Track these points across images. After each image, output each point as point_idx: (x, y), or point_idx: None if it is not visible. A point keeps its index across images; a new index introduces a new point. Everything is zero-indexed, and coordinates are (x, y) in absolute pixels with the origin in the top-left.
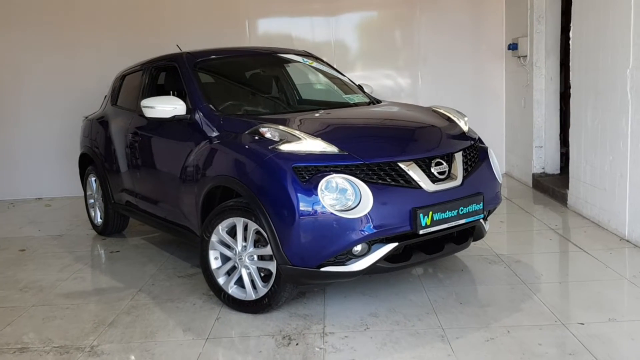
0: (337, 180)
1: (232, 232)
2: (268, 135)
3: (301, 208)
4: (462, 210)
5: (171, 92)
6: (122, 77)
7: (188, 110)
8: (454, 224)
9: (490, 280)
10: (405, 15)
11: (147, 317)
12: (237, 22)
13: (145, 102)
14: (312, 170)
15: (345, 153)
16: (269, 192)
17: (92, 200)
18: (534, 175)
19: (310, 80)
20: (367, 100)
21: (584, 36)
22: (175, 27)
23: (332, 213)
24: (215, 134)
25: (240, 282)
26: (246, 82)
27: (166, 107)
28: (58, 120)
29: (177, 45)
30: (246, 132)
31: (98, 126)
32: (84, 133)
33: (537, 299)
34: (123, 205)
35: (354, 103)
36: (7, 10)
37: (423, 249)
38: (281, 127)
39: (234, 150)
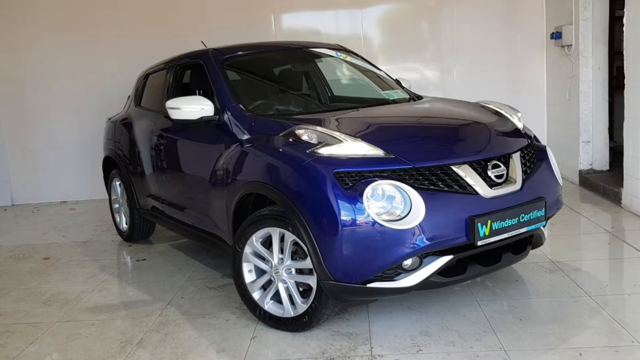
0: (385, 186)
1: (266, 242)
2: (305, 137)
3: (344, 218)
4: (523, 217)
5: (197, 92)
6: (145, 77)
7: (216, 111)
8: (514, 234)
9: (549, 292)
10: (435, 5)
11: (178, 335)
12: (262, 17)
13: (170, 103)
14: (355, 176)
15: (392, 156)
16: (307, 200)
17: (116, 205)
18: (580, 172)
19: (344, 76)
20: (406, 96)
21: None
22: (198, 24)
23: (379, 223)
24: (246, 136)
25: (277, 297)
26: (276, 79)
27: (193, 108)
28: (82, 121)
29: (202, 42)
30: (280, 134)
31: (121, 128)
32: (107, 135)
33: (607, 314)
34: (149, 211)
35: (393, 100)
36: (29, 11)
37: (479, 261)
38: (319, 129)
39: (268, 154)
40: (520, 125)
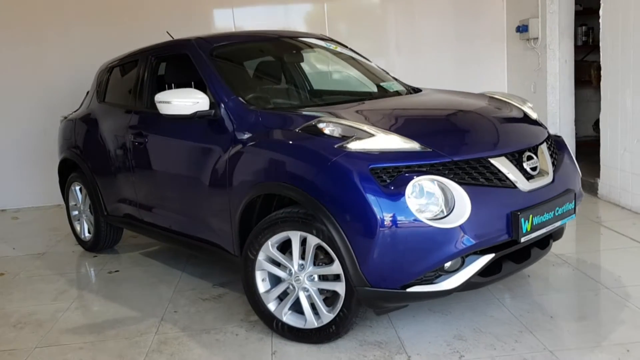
0: (427, 182)
1: (281, 248)
2: (327, 131)
3: (384, 218)
4: (557, 211)
5: (172, 86)
6: (109, 70)
7: (211, 105)
8: (550, 228)
9: (566, 287)
10: None
11: (185, 355)
12: (222, 9)
13: (160, 97)
14: (392, 172)
15: (429, 150)
16: (340, 200)
17: (75, 212)
18: None
19: (337, 67)
20: (403, 88)
21: (620, 14)
22: (152, 16)
23: (423, 222)
24: (250, 132)
25: (296, 307)
26: (268, 70)
27: (186, 101)
28: (19, 121)
29: (168, 33)
30: (297, 128)
31: (83, 127)
32: (65, 135)
33: (634, 306)
34: (120, 218)
35: (394, 91)
36: None
37: (511, 258)
38: (344, 121)
39: (286, 151)
40: (534, 115)
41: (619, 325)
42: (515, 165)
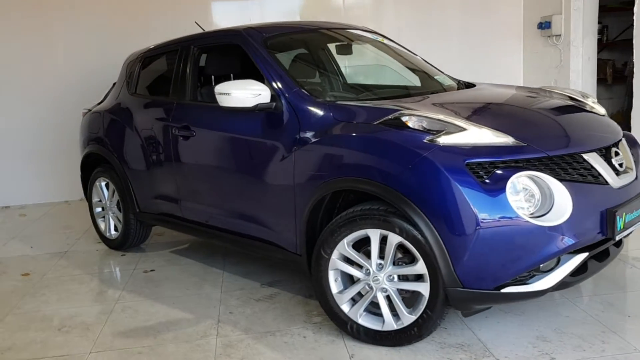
0: (527, 178)
1: (354, 247)
2: (411, 124)
3: (483, 215)
4: None
5: (214, 78)
6: (141, 60)
7: (272, 98)
8: (637, 226)
9: (631, 285)
10: None
11: (257, 359)
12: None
13: (220, 88)
14: (488, 167)
15: (524, 144)
16: (433, 196)
17: (99, 209)
18: None
19: (387, 60)
20: (454, 82)
21: None
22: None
23: (524, 220)
24: (317, 126)
25: (370, 309)
26: (321, 62)
27: (248, 93)
28: (24, 115)
29: (197, 23)
30: (375, 122)
31: (112, 119)
32: (90, 128)
33: None
34: (155, 215)
35: (449, 85)
36: None
37: (594, 257)
38: (430, 115)
39: (366, 145)
40: (603, 111)
41: None
42: (605, 161)
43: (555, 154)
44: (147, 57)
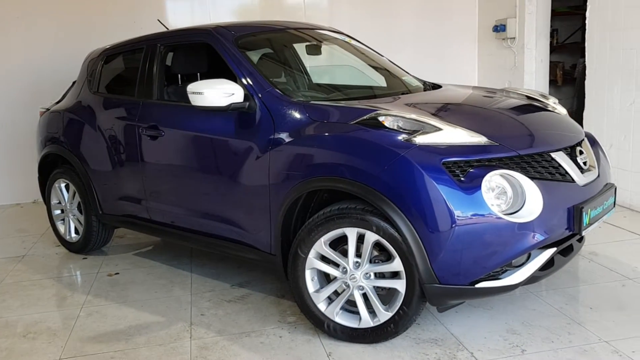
0: (501, 176)
1: (331, 245)
2: (388, 124)
3: (459, 212)
4: (604, 204)
5: (180, 78)
6: (103, 58)
7: (245, 98)
8: (601, 222)
9: (591, 279)
10: None
11: None
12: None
13: (193, 88)
14: (463, 166)
15: (496, 144)
16: (411, 194)
17: (58, 212)
18: None
19: (356, 61)
20: (420, 84)
21: (608, 15)
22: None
23: (499, 217)
24: (292, 126)
25: (346, 307)
26: (291, 63)
27: (220, 93)
28: None
29: (159, 21)
30: (351, 121)
31: (73, 119)
32: (49, 128)
33: None
34: (119, 217)
35: (417, 86)
36: None
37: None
38: (406, 115)
39: (343, 145)
40: (564, 111)
41: None
42: (571, 160)
43: (525, 153)
44: (110, 55)
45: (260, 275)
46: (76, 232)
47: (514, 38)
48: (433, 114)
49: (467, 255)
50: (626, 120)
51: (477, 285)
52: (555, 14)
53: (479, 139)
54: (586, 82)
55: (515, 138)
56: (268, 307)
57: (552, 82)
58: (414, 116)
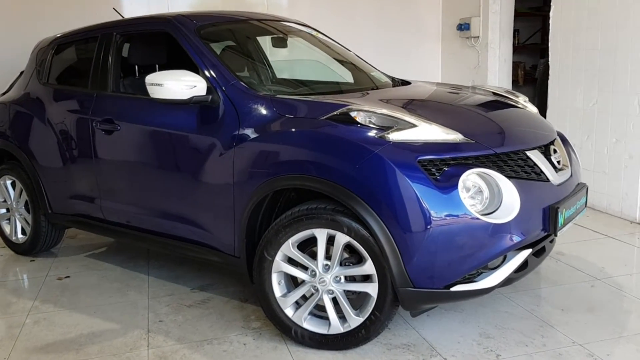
0: (478, 175)
1: (299, 247)
2: (360, 119)
3: (436, 213)
4: (577, 204)
5: (137, 69)
6: (53, 47)
7: (207, 90)
8: (573, 222)
9: (560, 280)
10: None
11: None
12: None
13: (151, 79)
14: (439, 164)
15: (472, 141)
16: (385, 194)
17: (4, 210)
18: None
19: (322, 55)
20: (389, 80)
21: (572, 15)
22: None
23: (476, 218)
24: (258, 121)
25: (314, 312)
26: (254, 55)
27: (182, 85)
28: None
29: (115, 9)
30: (322, 117)
31: (20, 111)
32: None
33: (631, 295)
34: (70, 217)
35: (384, 82)
36: None
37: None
38: (379, 110)
39: (313, 141)
40: (535, 110)
41: (628, 315)
42: (546, 159)
43: (502, 151)
44: (61, 44)
45: (221, 278)
46: (23, 232)
47: (478, 37)
48: (406, 110)
49: (443, 258)
50: (589, 120)
51: (453, 289)
52: (516, 15)
53: (454, 136)
54: (549, 82)
55: (491, 135)
56: (231, 312)
57: (514, 82)
58: (387, 112)
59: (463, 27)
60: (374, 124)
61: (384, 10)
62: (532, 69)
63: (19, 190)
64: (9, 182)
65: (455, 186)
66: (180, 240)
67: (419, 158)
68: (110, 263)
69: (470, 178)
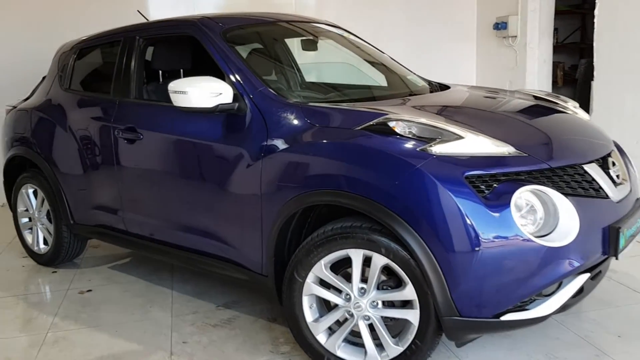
0: (532, 193)
1: (332, 268)
2: (399, 130)
3: (485, 234)
4: (638, 223)
5: (161, 74)
6: (76, 52)
7: (233, 98)
8: (632, 242)
9: (614, 300)
10: None
11: None
12: None
13: (175, 86)
14: (488, 180)
15: (525, 154)
16: (428, 213)
17: (26, 220)
18: None
19: (355, 58)
20: (426, 84)
21: (620, 12)
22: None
23: (530, 240)
24: (288, 131)
25: (349, 339)
26: (284, 59)
27: (207, 92)
28: None
29: (139, 12)
30: (356, 127)
31: (42, 118)
32: (15, 128)
33: None
34: (92, 227)
35: (421, 87)
36: None
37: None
38: (420, 120)
39: (348, 154)
40: (587, 117)
41: None
42: (604, 173)
43: (557, 165)
44: (83, 49)
45: (247, 294)
46: (45, 242)
47: (516, 36)
48: (450, 119)
49: (493, 284)
50: (639, 125)
51: (503, 318)
52: (555, 13)
53: (505, 149)
54: (594, 83)
55: (544, 147)
56: (258, 333)
57: (552, 83)
58: (429, 121)
59: (500, 26)
60: (414, 135)
61: (414, 8)
62: (571, 69)
63: (41, 200)
64: (30, 191)
65: (507, 205)
66: (205, 256)
67: (467, 174)
68: (133, 275)
69: (524, 196)
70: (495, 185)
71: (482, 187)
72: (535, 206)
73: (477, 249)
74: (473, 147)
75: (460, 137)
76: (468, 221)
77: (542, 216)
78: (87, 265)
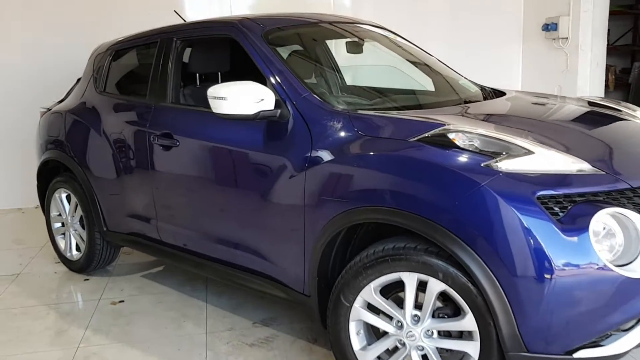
0: (611, 216)
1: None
2: (460, 143)
3: (559, 261)
4: None
5: (198, 77)
6: (111, 54)
7: (276, 104)
8: None
9: None
10: None
11: None
12: None
13: (214, 92)
14: (563, 201)
15: (602, 172)
16: (493, 236)
17: (59, 225)
18: None
19: (402, 61)
20: (479, 89)
21: None
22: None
23: (609, 269)
24: (335, 141)
25: None
26: (328, 63)
27: (248, 98)
28: None
29: (176, 12)
30: (411, 138)
31: (76, 122)
32: (49, 130)
33: None
34: (125, 235)
35: (474, 93)
36: None
37: None
38: (484, 132)
39: (406, 167)
40: None
41: None
42: None
43: (639, 185)
44: (119, 50)
45: (286, 310)
46: (77, 249)
47: (567, 38)
48: (516, 130)
49: (566, 317)
50: None
51: (576, 355)
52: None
53: (581, 166)
54: None
55: (623, 164)
56: (298, 355)
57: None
58: (494, 133)
59: (549, 27)
60: (477, 148)
61: (457, 8)
62: (622, 72)
63: (74, 205)
64: (64, 196)
65: (585, 229)
66: (242, 270)
67: (539, 193)
68: (166, 286)
69: (604, 219)
70: (569, 206)
71: (556, 208)
72: (615, 231)
73: (550, 277)
74: (544, 164)
75: (530, 152)
76: (540, 246)
77: (621, 242)
78: (120, 273)
